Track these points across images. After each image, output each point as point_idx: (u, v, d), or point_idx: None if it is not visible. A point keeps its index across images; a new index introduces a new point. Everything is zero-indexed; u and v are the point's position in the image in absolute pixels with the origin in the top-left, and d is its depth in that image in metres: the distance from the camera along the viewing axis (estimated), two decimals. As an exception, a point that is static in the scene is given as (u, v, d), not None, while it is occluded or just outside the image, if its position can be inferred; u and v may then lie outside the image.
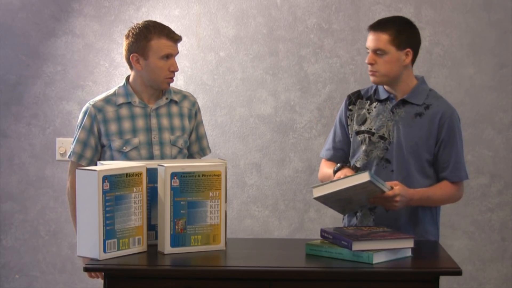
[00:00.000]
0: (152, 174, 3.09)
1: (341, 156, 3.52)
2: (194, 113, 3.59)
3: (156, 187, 3.08)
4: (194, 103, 3.60)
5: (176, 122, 3.53)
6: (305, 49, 4.62)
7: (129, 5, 4.64)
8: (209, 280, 2.91)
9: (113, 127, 3.45)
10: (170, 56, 3.41)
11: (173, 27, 3.73)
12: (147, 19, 4.58)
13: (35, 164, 4.70)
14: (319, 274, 2.94)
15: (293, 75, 4.63)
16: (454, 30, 4.57)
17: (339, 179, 3.15)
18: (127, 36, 3.43)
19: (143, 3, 4.64)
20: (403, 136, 3.38)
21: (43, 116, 4.69)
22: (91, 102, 3.49)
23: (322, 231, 3.12)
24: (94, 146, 3.47)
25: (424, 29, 4.54)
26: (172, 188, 3.01)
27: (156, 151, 3.47)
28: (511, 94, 4.57)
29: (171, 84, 3.51)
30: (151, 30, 3.40)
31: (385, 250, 2.96)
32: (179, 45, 3.51)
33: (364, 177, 3.08)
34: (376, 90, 3.48)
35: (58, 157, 4.69)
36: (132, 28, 3.43)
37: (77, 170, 3.00)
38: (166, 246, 3.03)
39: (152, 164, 3.12)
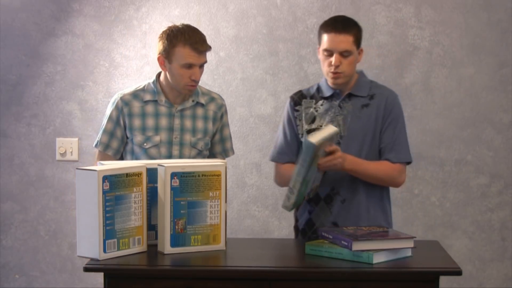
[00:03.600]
0: (152, 174, 3.09)
1: (295, 157, 3.51)
2: (220, 116, 3.61)
3: (156, 187, 3.08)
4: (221, 106, 3.61)
5: (199, 124, 3.54)
6: (305, 49, 4.61)
7: (129, 5, 4.64)
8: (209, 280, 2.91)
9: (136, 122, 3.49)
10: (192, 66, 3.41)
11: (173, 27, 3.73)
12: (147, 19, 4.58)
13: (35, 164, 4.70)
14: (319, 274, 2.94)
15: (293, 75, 4.62)
16: (454, 30, 4.57)
17: (326, 126, 3.28)
18: (160, 36, 3.46)
19: (143, 3, 4.63)
20: (353, 128, 3.45)
21: (43, 116, 4.68)
22: (120, 94, 3.54)
23: (322, 231, 3.12)
24: (120, 138, 3.52)
25: (424, 29, 4.54)
26: (172, 188, 3.01)
27: (175, 151, 3.49)
28: (511, 94, 4.57)
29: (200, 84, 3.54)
30: (178, 36, 3.40)
31: (385, 250, 2.96)
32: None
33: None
34: (319, 89, 3.55)
35: (58, 157, 4.69)
36: (167, 28, 3.45)
37: (77, 170, 3.00)
38: (166, 246, 3.03)
39: (152, 164, 3.13)
